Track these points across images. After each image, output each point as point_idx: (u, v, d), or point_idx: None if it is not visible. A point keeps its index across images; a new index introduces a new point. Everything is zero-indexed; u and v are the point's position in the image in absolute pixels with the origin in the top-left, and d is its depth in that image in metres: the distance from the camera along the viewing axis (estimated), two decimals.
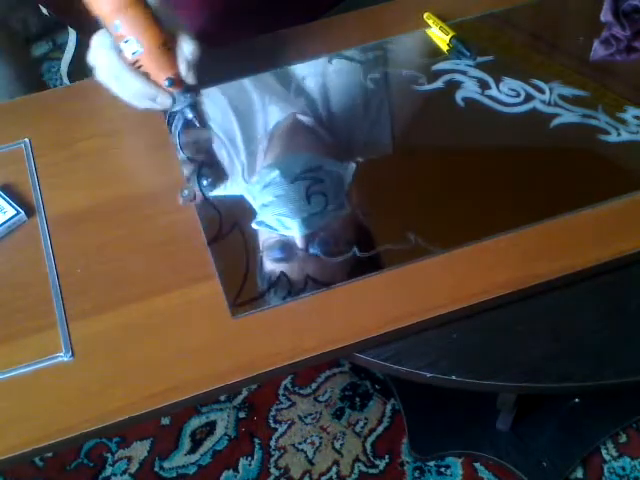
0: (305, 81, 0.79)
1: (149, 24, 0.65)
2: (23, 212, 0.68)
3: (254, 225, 0.67)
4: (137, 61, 0.66)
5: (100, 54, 0.67)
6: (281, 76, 0.80)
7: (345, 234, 0.68)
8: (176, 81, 0.67)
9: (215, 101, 0.77)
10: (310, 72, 0.80)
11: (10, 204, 0.69)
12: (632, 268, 0.65)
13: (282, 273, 0.63)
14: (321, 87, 0.79)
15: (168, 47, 0.66)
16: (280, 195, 0.67)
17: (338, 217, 0.68)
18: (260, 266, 0.64)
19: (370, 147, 0.74)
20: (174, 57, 0.67)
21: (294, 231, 0.65)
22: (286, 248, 0.65)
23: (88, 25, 0.88)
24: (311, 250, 0.65)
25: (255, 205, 0.68)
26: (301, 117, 0.76)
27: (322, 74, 0.80)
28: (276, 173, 0.69)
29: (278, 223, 0.66)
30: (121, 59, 0.66)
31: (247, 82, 0.79)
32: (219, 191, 0.70)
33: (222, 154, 0.73)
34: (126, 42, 0.65)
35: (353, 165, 0.71)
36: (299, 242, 0.65)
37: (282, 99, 0.78)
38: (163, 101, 0.68)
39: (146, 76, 0.67)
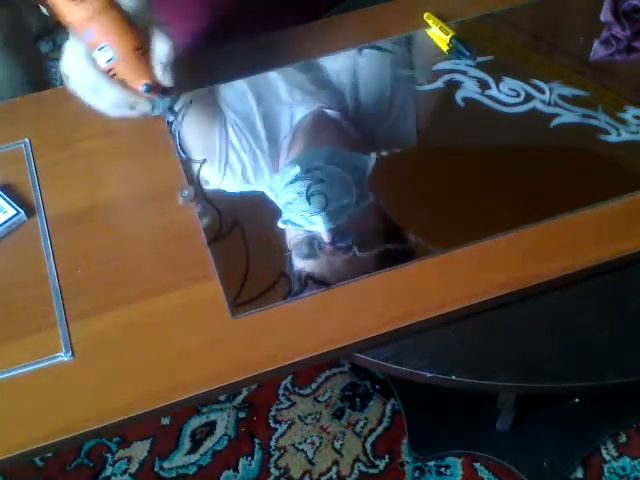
0: (333, 74, 0.79)
1: (123, 29, 0.62)
2: (23, 212, 0.68)
3: (280, 224, 0.66)
4: (112, 69, 0.63)
5: (74, 63, 0.64)
6: (307, 69, 0.80)
7: (371, 225, 0.68)
8: (154, 86, 0.65)
9: (239, 94, 0.77)
10: (338, 64, 0.80)
11: (10, 204, 0.69)
12: (632, 268, 0.65)
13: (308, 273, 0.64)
14: (349, 80, 0.78)
15: (143, 51, 0.64)
16: (302, 192, 0.67)
17: (362, 209, 0.67)
18: (290, 265, 0.64)
19: (394, 140, 0.74)
20: (150, 61, 0.64)
21: (319, 226, 0.65)
22: (313, 244, 0.65)
23: None
24: (338, 244, 0.65)
25: (279, 203, 0.68)
26: (327, 110, 0.76)
27: (351, 66, 0.79)
28: (297, 169, 0.69)
29: (303, 220, 0.66)
30: (96, 68, 0.63)
31: (273, 75, 0.79)
32: (241, 186, 0.71)
33: (244, 146, 0.73)
34: (100, 49, 0.62)
35: (373, 156, 0.71)
36: (325, 236, 0.65)
37: (308, 92, 0.78)
38: (141, 108, 0.66)
39: (122, 84, 0.64)
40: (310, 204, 0.66)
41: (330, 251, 0.65)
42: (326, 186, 0.67)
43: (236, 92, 0.78)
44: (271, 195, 0.69)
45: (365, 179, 0.70)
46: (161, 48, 0.64)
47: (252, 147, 0.73)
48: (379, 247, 0.65)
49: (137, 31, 0.63)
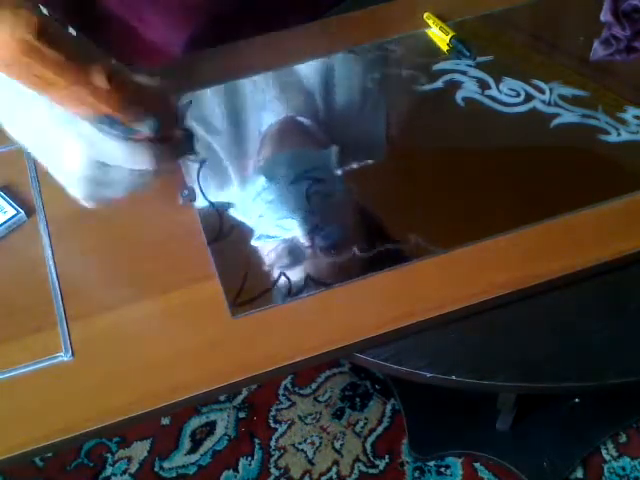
0: (304, 81, 0.79)
1: (140, 84, 0.54)
2: (23, 212, 0.68)
3: (254, 242, 0.65)
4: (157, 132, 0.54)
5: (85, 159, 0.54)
6: (278, 77, 0.79)
7: (349, 220, 0.68)
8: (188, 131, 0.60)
9: (207, 103, 0.76)
10: (310, 70, 0.80)
11: (10, 204, 0.69)
12: (632, 268, 0.65)
13: (284, 274, 0.63)
14: (321, 87, 0.78)
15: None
16: (272, 200, 0.67)
17: (336, 205, 0.67)
18: (276, 279, 0.63)
19: (363, 152, 0.73)
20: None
21: (296, 230, 0.65)
22: (294, 251, 0.64)
23: (90, 25, 0.88)
24: (320, 245, 0.64)
25: (250, 221, 0.67)
26: (297, 117, 0.75)
27: (322, 74, 0.79)
28: (262, 179, 0.68)
29: (279, 229, 0.66)
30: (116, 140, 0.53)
31: (243, 83, 0.78)
32: (216, 196, 0.70)
33: (216, 159, 0.72)
34: (144, 121, 0.53)
35: (335, 148, 0.70)
36: (304, 240, 0.65)
37: (279, 100, 0.77)
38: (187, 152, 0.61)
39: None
40: (282, 210, 0.66)
41: (313, 254, 0.64)
42: (295, 189, 0.67)
43: (205, 100, 0.76)
44: (238, 215, 0.67)
45: (334, 173, 0.69)
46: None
47: (220, 157, 0.72)
48: (351, 254, 0.64)
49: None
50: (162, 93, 0.57)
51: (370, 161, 0.72)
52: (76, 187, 0.57)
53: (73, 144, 0.53)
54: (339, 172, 0.69)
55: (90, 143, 0.53)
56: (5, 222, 0.67)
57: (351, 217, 0.68)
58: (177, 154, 0.60)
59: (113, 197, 0.59)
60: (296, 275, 0.63)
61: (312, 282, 0.63)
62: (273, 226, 0.66)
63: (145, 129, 0.53)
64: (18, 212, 0.68)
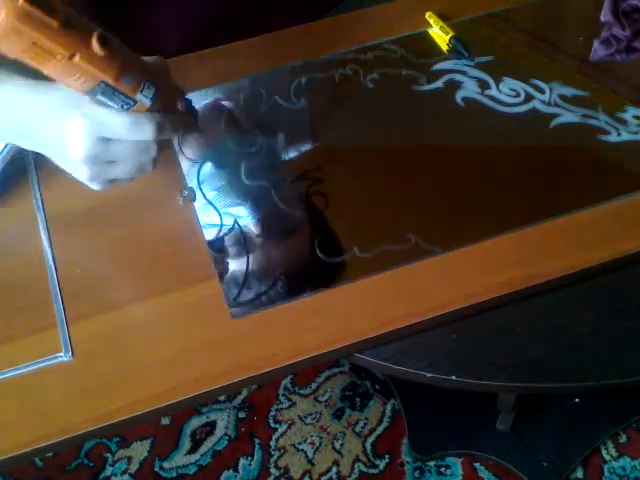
0: None
1: (143, 61, 0.55)
2: None
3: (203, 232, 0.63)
4: (155, 103, 0.55)
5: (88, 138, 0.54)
6: None
7: (300, 208, 0.67)
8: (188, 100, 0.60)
9: None
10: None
11: None
12: (632, 268, 0.65)
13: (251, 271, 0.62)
14: None
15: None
16: (220, 187, 0.66)
17: (285, 191, 0.66)
18: (225, 271, 0.62)
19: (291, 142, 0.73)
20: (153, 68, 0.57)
21: (245, 218, 0.64)
22: (242, 239, 0.63)
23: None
24: (268, 232, 0.63)
25: (196, 209, 0.65)
26: (222, 102, 0.74)
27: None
28: (208, 165, 0.67)
29: (227, 216, 0.64)
30: (120, 113, 0.54)
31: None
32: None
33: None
34: (142, 91, 0.54)
35: (282, 135, 0.70)
36: (255, 228, 0.64)
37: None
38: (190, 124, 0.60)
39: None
40: (232, 197, 0.65)
41: (263, 242, 0.63)
42: (244, 176, 0.66)
43: None
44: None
45: (280, 160, 0.69)
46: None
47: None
48: (351, 254, 0.64)
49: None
50: (159, 64, 0.58)
51: (371, 160, 0.72)
52: (81, 168, 0.57)
53: (76, 124, 0.54)
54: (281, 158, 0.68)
55: (92, 120, 0.54)
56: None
57: (301, 204, 0.67)
58: (180, 127, 0.59)
59: (118, 178, 0.59)
60: (246, 265, 0.62)
61: (312, 282, 0.63)
62: (223, 213, 0.65)
63: (144, 98, 0.54)
64: None
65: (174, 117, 0.57)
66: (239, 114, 0.74)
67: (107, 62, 0.51)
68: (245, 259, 0.64)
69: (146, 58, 0.56)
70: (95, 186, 0.59)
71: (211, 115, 0.75)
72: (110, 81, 0.52)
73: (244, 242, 0.64)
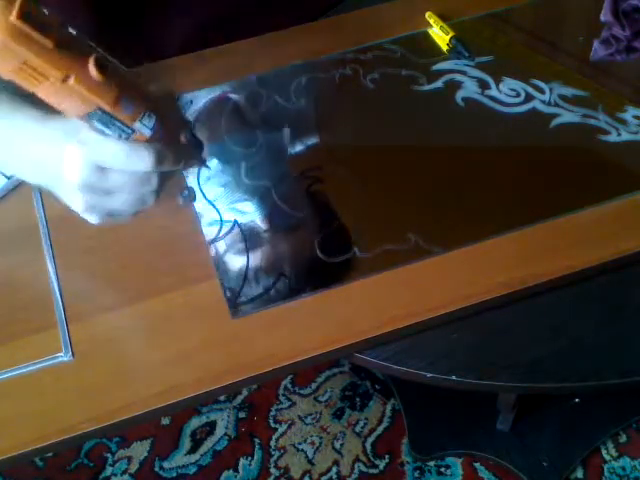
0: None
1: (143, 90, 0.52)
2: None
3: (205, 229, 0.62)
4: (156, 133, 0.52)
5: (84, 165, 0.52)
6: None
7: (306, 202, 0.67)
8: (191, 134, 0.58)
9: None
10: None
11: None
12: (632, 268, 0.65)
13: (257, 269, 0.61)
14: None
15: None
16: (227, 183, 0.66)
17: (290, 187, 0.65)
18: (227, 269, 0.62)
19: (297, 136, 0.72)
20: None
21: (253, 213, 0.64)
22: (250, 235, 0.62)
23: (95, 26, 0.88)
24: (276, 227, 0.63)
25: (200, 207, 0.65)
26: (229, 95, 0.74)
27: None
28: (214, 162, 0.66)
29: (234, 212, 0.64)
30: (115, 144, 0.51)
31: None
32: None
33: None
34: (141, 120, 0.51)
35: (287, 130, 0.70)
36: (262, 223, 0.63)
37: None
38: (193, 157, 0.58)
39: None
40: (239, 193, 0.64)
41: (270, 237, 0.63)
42: (251, 172, 0.65)
43: None
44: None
45: (287, 154, 0.68)
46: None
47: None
48: (351, 254, 0.64)
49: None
50: (164, 94, 0.55)
51: (371, 160, 0.72)
52: (77, 197, 0.54)
53: (73, 151, 0.52)
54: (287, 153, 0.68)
55: (90, 147, 0.51)
56: None
57: (307, 197, 0.67)
58: (182, 160, 0.56)
59: (117, 210, 0.56)
60: (253, 260, 0.61)
61: (312, 282, 0.63)
62: (227, 210, 0.65)
63: (143, 128, 0.51)
64: None
65: (175, 148, 0.54)
66: (245, 107, 0.74)
67: (104, 87, 0.48)
68: (245, 258, 0.64)
69: (152, 87, 0.53)
70: (93, 219, 0.57)
71: (218, 108, 0.75)
72: (107, 107, 0.49)
73: (245, 241, 0.64)
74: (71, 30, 0.49)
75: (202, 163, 0.60)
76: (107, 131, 0.51)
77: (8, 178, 0.70)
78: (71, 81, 0.47)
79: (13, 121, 0.54)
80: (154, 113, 0.51)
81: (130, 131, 0.51)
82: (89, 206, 0.55)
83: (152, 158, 0.52)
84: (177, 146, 0.54)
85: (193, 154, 0.57)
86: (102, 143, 0.51)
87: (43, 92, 0.48)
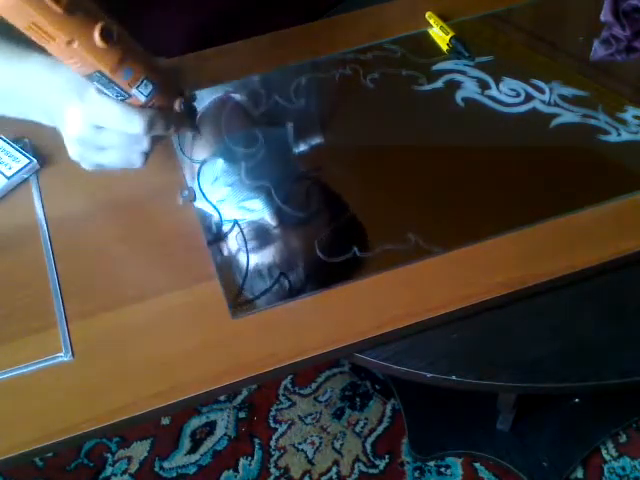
0: None
1: (146, 57, 0.56)
2: (36, 160, 0.71)
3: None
4: (152, 100, 0.57)
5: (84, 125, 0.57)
6: None
7: (313, 197, 0.67)
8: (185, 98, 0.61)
9: None
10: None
11: (23, 154, 0.71)
12: (632, 268, 0.65)
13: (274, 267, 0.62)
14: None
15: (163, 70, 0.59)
16: (234, 182, 0.66)
17: (299, 181, 0.66)
18: (244, 267, 0.63)
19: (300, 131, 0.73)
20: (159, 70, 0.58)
21: (262, 211, 0.64)
22: (261, 232, 0.64)
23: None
24: (286, 223, 0.64)
25: (210, 208, 0.66)
26: (232, 95, 0.75)
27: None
28: (220, 162, 0.67)
29: (243, 211, 0.65)
30: (115, 103, 0.56)
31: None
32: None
33: None
34: (139, 86, 0.55)
35: (290, 125, 0.70)
36: (271, 220, 0.64)
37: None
38: (175, 126, 0.60)
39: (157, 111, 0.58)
40: (245, 191, 0.65)
41: (281, 233, 0.63)
42: (256, 170, 0.66)
43: None
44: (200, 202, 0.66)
45: (289, 149, 0.69)
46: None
47: None
48: (351, 254, 0.64)
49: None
50: (170, 65, 0.60)
51: (370, 160, 0.72)
52: (73, 147, 0.60)
53: (74, 107, 0.57)
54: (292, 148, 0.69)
55: (89, 106, 0.56)
56: (19, 171, 0.71)
57: (314, 192, 0.68)
58: (174, 125, 0.60)
59: (106, 164, 0.61)
60: (267, 257, 0.63)
61: (312, 282, 0.63)
62: (236, 209, 0.65)
63: (139, 94, 0.56)
64: (31, 160, 0.71)
65: (167, 115, 0.58)
66: (248, 106, 0.74)
67: (106, 53, 0.52)
68: (246, 258, 0.64)
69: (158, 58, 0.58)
70: (84, 165, 0.62)
71: (221, 107, 0.75)
72: (107, 72, 0.53)
73: (245, 241, 0.64)
74: None
75: (194, 129, 0.64)
76: (106, 91, 0.55)
77: (8, 178, 0.70)
78: (75, 45, 0.51)
79: (26, 66, 0.60)
80: (151, 81, 0.56)
81: (127, 95, 0.56)
82: (82, 156, 0.61)
83: (143, 122, 0.57)
84: (170, 114, 0.59)
85: (185, 122, 0.61)
86: (101, 104, 0.56)
87: (51, 49, 0.52)
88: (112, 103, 0.56)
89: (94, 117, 0.57)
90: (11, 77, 0.61)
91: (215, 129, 0.73)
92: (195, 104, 0.63)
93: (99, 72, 0.53)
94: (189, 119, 0.63)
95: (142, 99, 0.56)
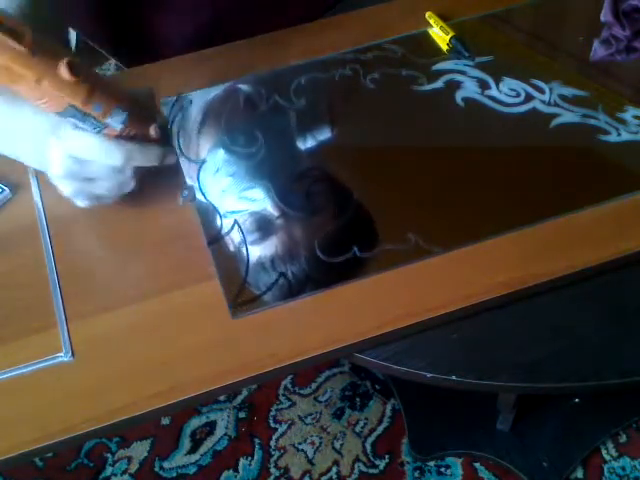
0: None
1: (115, 87, 0.58)
2: (8, 190, 0.70)
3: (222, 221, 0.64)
4: (126, 129, 0.59)
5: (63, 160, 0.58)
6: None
7: (316, 190, 0.67)
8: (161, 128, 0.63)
9: None
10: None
11: None
12: (632, 268, 0.65)
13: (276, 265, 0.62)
14: None
15: (135, 99, 0.60)
16: (235, 172, 0.66)
17: (299, 180, 0.66)
18: (248, 261, 0.63)
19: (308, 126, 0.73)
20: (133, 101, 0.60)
21: (264, 200, 0.64)
22: (263, 223, 0.64)
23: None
24: (288, 214, 0.63)
25: (213, 200, 0.66)
26: (239, 85, 0.75)
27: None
28: (221, 152, 0.67)
29: (245, 201, 0.64)
30: (92, 138, 0.57)
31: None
32: None
33: None
34: (112, 117, 0.57)
35: (294, 114, 0.70)
36: (273, 210, 0.64)
37: None
38: (154, 153, 0.62)
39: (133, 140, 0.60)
40: (247, 180, 0.65)
41: (284, 224, 0.63)
42: (258, 160, 0.66)
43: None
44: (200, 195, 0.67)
45: (293, 140, 0.69)
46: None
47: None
48: (351, 254, 0.64)
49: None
50: (136, 93, 0.61)
51: (371, 160, 0.72)
52: (63, 185, 0.61)
53: (52, 145, 0.58)
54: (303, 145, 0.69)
55: (67, 142, 0.57)
56: None
57: (317, 185, 0.68)
58: (153, 158, 0.62)
59: (102, 195, 0.62)
60: (269, 249, 0.63)
61: (312, 282, 0.63)
62: (238, 199, 0.65)
63: (114, 123, 0.57)
64: (2, 190, 0.70)
65: (145, 147, 0.60)
66: (255, 96, 0.74)
67: (75, 87, 0.54)
68: (245, 258, 0.64)
69: (130, 88, 0.60)
70: (80, 202, 0.63)
71: (228, 97, 0.76)
72: (79, 105, 0.55)
73: (245, 241, 0.64)
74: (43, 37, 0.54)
75: (173, 159, 0.65)
76: (81, 125, 0.57)
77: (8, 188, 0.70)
78: (44, 83, 0.53)
79: (14, 109, 0.60)
80: (124, 109, 0.57)
81: (102, 126, 0.57)
82: (75, 192, 0.62)
83: (121, 155, 0.58)
84: (148, 144, 0.60)
85: (164, 152, 0.63)
86: (78, 138, 0.57)
87: (22, 91, 0.54)
88: (89, 136, 0.57)
89: (74, 150, 0.58)
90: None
91: (220, 120, 0.73)
92: (170, 128, 0.66)
93: (72, 106, 0.55)
94: (168, 144, 0.65)
95: (118, 127, 0.58)
